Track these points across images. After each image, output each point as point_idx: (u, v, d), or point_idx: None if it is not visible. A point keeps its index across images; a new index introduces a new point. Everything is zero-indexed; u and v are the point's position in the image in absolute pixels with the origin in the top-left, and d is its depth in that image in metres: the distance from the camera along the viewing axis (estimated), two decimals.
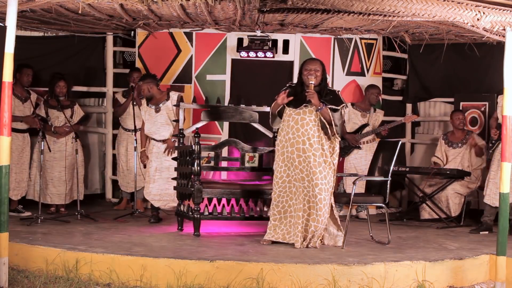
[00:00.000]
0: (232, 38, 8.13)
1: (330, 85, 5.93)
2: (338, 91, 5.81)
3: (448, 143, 7.84)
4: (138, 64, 8.37)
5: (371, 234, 6.21)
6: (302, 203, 5.51)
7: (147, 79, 7.15)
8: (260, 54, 7.88)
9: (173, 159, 7.06)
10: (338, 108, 5.57)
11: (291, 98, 5.58)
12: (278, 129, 5.78)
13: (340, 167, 8.23)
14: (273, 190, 5.67)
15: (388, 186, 5.85)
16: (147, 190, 7.04)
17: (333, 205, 5.73)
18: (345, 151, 8.08)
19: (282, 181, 5.59)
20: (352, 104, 8.17)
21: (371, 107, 8.14)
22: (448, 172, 7.41)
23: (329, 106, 5.52)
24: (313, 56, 8.19)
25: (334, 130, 5.53)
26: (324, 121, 5.52)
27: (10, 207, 5.16)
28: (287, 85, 5.77)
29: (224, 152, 7.72)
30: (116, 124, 8.71)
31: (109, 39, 8.69)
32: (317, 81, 5.58)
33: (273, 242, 5.64)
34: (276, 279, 4.65)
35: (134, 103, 7.64)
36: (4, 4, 4.86)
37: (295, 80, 6.15)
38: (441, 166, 7.81)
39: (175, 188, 6.71)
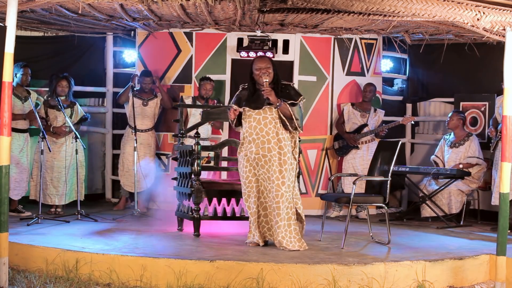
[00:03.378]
0: (232, 38, 8.14)
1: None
2: (293, 83, 5.78)
3: (448, 143, 7.85)
4: (138, 64, 8.37)
5: (371, 234, 6.21)
6: (272, 202, 5.47)
7: (212, 82, 7.79)
8: (260, 54, 7.88)
9: (173, 159, 7.06)
10: (297, 102, 5.53)
11: (240, 109, 5.55)
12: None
13: (339, 167, 8.25)
14: (243, 192, 5.63)
15: (388, 186, 5.85)
16: None
17: (299, 204, 5.66)
18: (343, 150, 8.10)
19: (249, 181, 5.56)
20: (352, 104, 8.19)
21: (371, 107, 8.14)
22: (448, 172, 7.41)
23: (288, 102, 5.47)
24: (313, 56, 8.21)
25: (296, 124, 5.50)
26: (284, 117, 5.48)
27: (10, 207, 5.16)
28: (240, 87, 5.73)
29: (224, 152, 7.73)
30: (116, 124, 8.74)
31: (109, 39, 8.69)
32: (270, 78, 5.52)
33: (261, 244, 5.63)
34: (276, 279, 4.65)
35: (145, 103, 7.71)
36: (4, 4, 4.86)
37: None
38: (440, 166, 7.83)
39: (175, 188, 6.71)
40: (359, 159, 8.01)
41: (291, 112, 5.47)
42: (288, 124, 5.49)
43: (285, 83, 5.68)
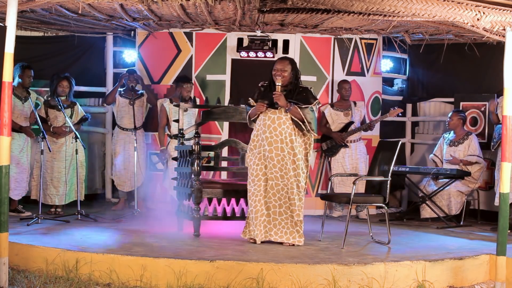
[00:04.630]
0: (232, 38, 8.13)
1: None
2: (311, 88, 5.87)
3: (447, 141, 7.85)
4: (138, 64, 8.37)
5: (371, 234, 6.21)
6: (281, 201, 5.58)
7: (191, 82, 7.75)
8: (260, 54, 7.89)
9: (173, 159, 7.06)
10: (309, 105, 5.63)
11: (266, 105, 5.65)
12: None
13: (328, 168, 8.24)
14: (248, 189, 5.70)
15: (388, 186, 5.85)
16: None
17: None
18: (332, 150, 8.08)
19: (258, 179, 5.63)
20: (332, 106, 8.15)
21: (350, 102, 8.12)
22: (448, 172, 7.41)
23: (301, 105, 5.58)
24: (313, 56, 8.21)
25: (308, 126, 5.61)
26: (297, 119, 5.60)
27: (10, 207, 5.16)
28: (259, 85, 5.84)
29: (224, 152, 7.73)
30: (116, 124, 8.73)
31: (109, 39, 8.69)
32: (285, 81, 5.63)
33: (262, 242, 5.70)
34: (276, 279, 4.65)
35: (131, 102, 7.72)
36: (4, 4, 4.86)
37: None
38: (438, 166, 7.83)
39: (175, 188, 6.71)
40: (348, 159, 8.01)
41: (302, 116, 5.58)
42: (302, 126, 5.61)
43: (303, 86, 5.78)
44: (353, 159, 7.98)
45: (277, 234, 5.65)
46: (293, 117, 5.61)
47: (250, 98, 5.82)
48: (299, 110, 5.59)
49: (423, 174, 7.77)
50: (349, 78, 8.34)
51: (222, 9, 6.96)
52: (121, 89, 8.01)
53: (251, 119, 5.83)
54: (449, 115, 7.85)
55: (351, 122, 8.04)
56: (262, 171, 5.64)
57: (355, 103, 8.15)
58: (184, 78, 7.81)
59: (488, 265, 5.23)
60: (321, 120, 8.20)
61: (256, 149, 5.68)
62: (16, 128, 7.05)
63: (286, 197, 5.59)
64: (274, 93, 5.56)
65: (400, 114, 8.50)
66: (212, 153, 6.90)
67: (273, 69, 5.68)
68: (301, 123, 5.60)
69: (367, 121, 8.14)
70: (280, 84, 5.59)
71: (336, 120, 8.10)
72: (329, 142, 8.11)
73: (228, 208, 6.31)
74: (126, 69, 8.30)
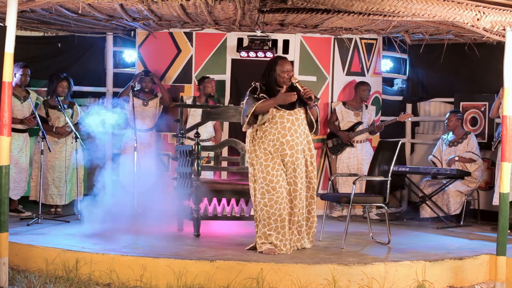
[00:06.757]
0: (232, 38, 8.14)
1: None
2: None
3: (446, 142, 7.86)
4: (138, 64, 8.37)
5: (371, 234, 6.21)
6: (302, 205, 5.43)
7: (212, 78, 7.77)
8: (260, 54, 7.89)
9: (173, 159, 7.06)
10: (317, 104, 5.47)
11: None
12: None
13: (333, 166, 8.25)
14: (268, 197, 5.21)
15: (388, 186, 5.85)
16: None
17: None
18: (338, 148, 8.11)
19: (280, 186, 5.23)
20: (344, 103, 8.18)
21: (362, 104, 8.14)
22: (448, 172, 7.41)
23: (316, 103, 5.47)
24: (313, 56, 8.21)
25: (318, 126, 5.48)
26: (313, 118, 5.42)
27: (10, 207, 5.16)
28: (253, 85, 5.39)
29: (224, 152, 7.73)
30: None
31: (109, 39, 8.68)
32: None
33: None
34: (276, 279, 4.65)
35: (145, 103, 7.74)
36: (4, 4, 4.86)
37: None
38: (437, 166, 7.83)
39: (175, 188, 6.71)
40: (353, 159, 8.03)
41: (318, 115, 5.45)
42: (314, 125, 5.44)
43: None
44: (359, 159, 8.00)
45: (298, 241, 5.46)
46: (311, 115, 5.39)
47: (257, 92, 5.30)
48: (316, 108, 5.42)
49: (423, 174, 7.77)
50: (349, 78, 8.36)
51: (222, 9, 6.96)
52: (136, 89, 7.92)
53: (253, 115, 5.22)
54: (447, 116, 7.86)
55: (360, 123, 8.06)
56: (282, 176, 5.26)
57: (366, 106, 8.18)
58: (204, 76, 7.86)
59: (488, 265, 5.22)
60: (331, 117, 8.23)
61: (273, 154, 5.25)
62: (16, 123, 7.03)
63: (307, 200, 5.45)
64: (304, 88, 5.25)
65: (410, 119, 8.48)
66: (212, 153, 6.90)
67: (282, 71, 5.30)
68: (315, 122, 5.42)
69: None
70: (298, 81, 5.34)
71: (345, 117, 8.12)
72: (335, 140, 8.14)
73: (228, 208, 6.30)
74: (132, 69, 8.30)
